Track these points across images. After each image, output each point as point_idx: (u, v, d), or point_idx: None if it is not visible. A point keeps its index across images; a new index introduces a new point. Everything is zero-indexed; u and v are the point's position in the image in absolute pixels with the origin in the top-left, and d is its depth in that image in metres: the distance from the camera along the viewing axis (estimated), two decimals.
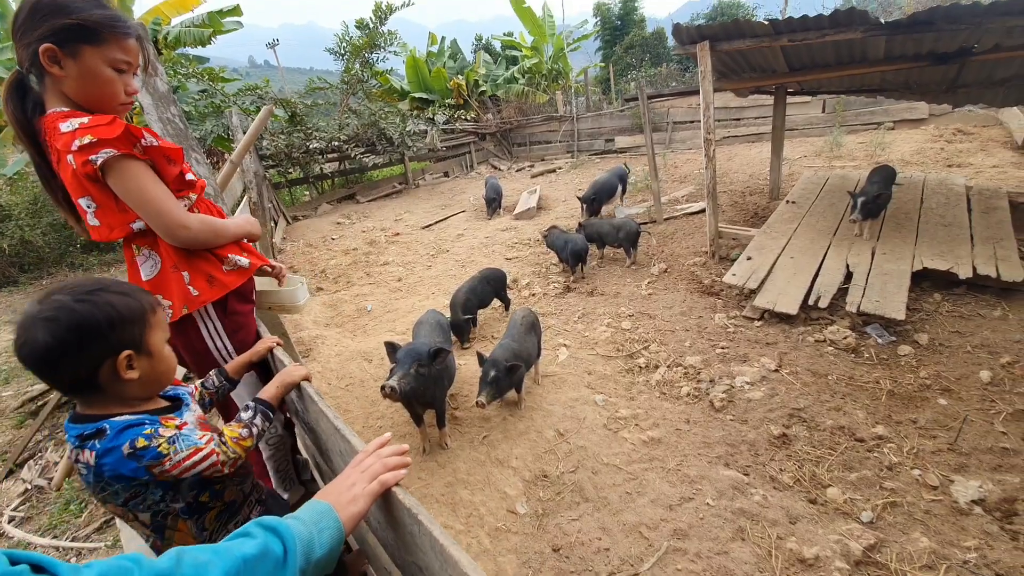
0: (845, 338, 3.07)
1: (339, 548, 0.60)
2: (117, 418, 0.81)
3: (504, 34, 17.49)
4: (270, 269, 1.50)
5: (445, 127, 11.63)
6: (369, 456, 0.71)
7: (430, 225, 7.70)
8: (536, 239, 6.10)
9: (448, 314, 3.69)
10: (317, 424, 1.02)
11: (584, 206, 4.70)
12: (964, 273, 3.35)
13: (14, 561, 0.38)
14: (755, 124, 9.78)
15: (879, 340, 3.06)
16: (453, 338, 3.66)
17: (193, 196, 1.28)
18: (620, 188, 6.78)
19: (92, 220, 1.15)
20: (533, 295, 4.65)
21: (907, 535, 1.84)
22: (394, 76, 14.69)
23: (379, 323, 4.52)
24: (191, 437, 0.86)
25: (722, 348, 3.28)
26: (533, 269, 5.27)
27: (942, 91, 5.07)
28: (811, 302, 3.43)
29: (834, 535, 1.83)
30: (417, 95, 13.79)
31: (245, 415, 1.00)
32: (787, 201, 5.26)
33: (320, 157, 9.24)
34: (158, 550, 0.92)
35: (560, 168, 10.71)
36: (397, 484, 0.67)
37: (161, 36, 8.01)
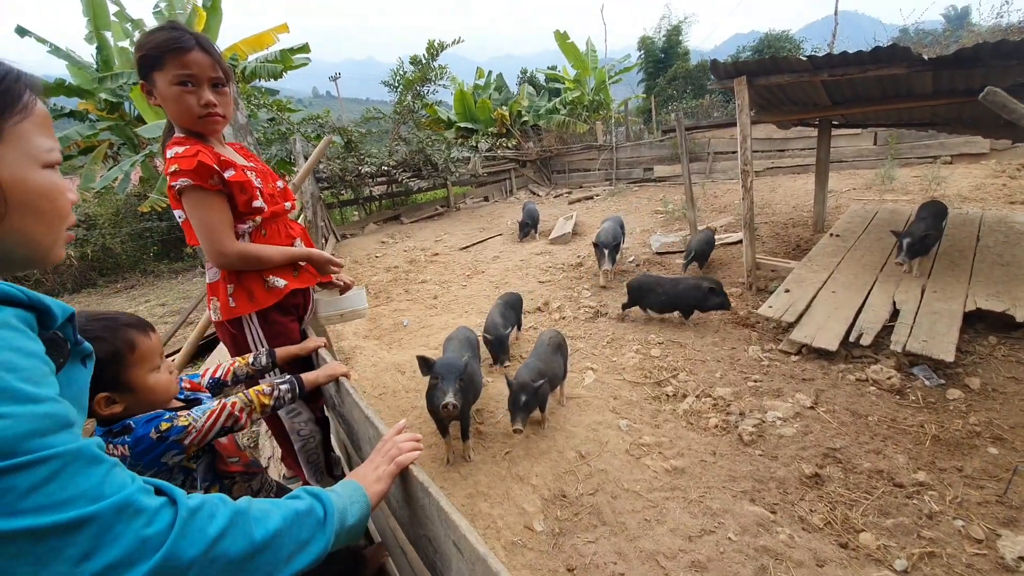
0: (889, 378, 2.93)
1: (366, 520, 0.69)
2: (137, 416, 0.91)
3: (548, 67, 18.13)
4: (334, 283, 1.66)
5: (487, 154, 12.11)
6: (388, 442, 0.81)
7: (468, 247, 7.95)
8: (571, 263, 6.17)
9: (479, 332, 3.81)
10: (351, 414, 1.14)
11: (606, 252, 4.68)
12: (1022, 316, 3.14)
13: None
14: (800, 155, 9.57)
15: (926, 382, 2.89)
16: (486, 355, 3.77)
17: (258, 219, 1.44)
18: (622, 235, 6.70)
19: (183, 226, 1.39)
20: (563, 318, 4.70)
21: None
22: (442, 107, 15.50)
23: (414, 337, 4.69)
24: (204, 407, 0.99)
25: (755, 381, 3.20)
26: (565, 293, 5.33)
27: (999, 125, 4.85)
28: (852, 339, 3.30)
29: None
30: (463, 125, 14.46)
31: (277, 379, 1.15)
32: (831, 234, 5.10)
33: (370, 180, 9.87)
34: None
35: (597, 195, 10.82)
36: (412, 464, 0.76)
37: (239, 71, 8.90)
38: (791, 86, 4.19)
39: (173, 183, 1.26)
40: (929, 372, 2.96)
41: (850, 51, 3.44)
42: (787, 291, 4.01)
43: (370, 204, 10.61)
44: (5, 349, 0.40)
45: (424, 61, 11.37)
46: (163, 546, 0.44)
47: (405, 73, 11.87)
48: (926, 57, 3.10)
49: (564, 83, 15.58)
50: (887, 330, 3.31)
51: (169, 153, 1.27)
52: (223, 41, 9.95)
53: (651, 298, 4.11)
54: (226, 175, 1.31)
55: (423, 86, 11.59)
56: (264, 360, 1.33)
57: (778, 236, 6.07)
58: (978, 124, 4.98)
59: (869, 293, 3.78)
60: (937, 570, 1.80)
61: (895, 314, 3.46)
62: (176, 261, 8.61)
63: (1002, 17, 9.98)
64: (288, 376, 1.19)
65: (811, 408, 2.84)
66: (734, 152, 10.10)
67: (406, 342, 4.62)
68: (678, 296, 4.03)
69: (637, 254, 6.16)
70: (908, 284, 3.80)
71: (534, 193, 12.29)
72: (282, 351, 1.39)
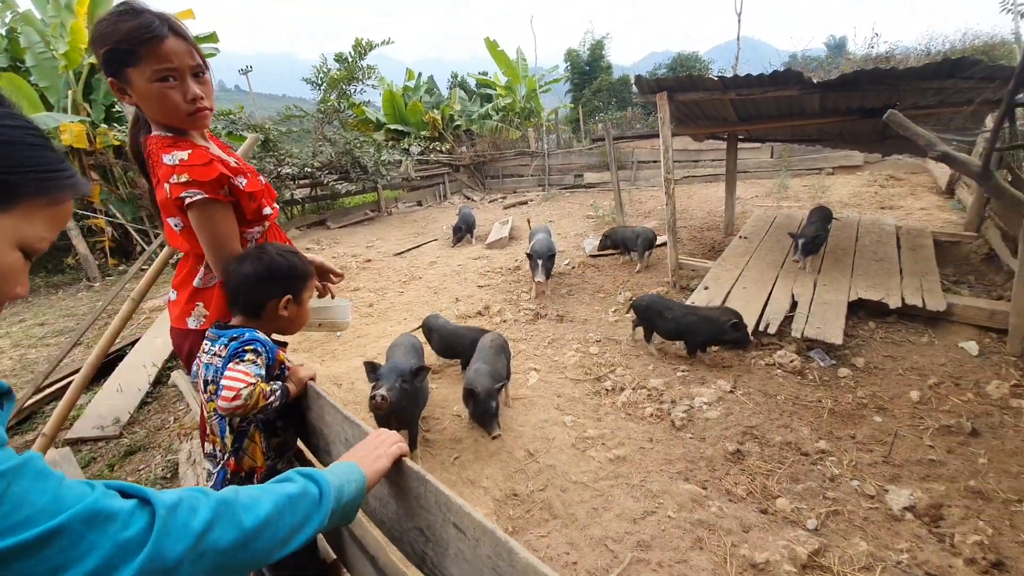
0: (792, 361, 3.33)
1: (362, 497, 0.69)
2: (254, 331, 1.16)
3: (479, 73, 18.28)
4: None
5: (420, 158, 11.93)
6: (380, 434, 0.81)
7: (402, 252, 7.77)
8: (509, 267, 6.27)
9: (421, 338, 3.76)
10: (320, 419, 1.10)
11: (539, 263, 4.79)
12: (894, 303, 3.71)
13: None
14: (712, 166, 10.51)
15: (821, 363, 3.33)
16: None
17: (267, 224, 1.36)
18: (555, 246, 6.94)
19: (174, 233, 1.25)
20: (504, 321, 4.77)
21: (847, 540, 2.00)
22: (370, 108, 15.05)
23: (349, 348, 4.50)
24: (259, 370, 1.10)
25: (682, 372, 3.47)
26: (504, 296, 5.41)
27: (872, 141, 5.70)
28: (761, 328, 3.70)
29: (783, 541, 1.97)
30: (393, 127, 14.13)
31: (278, 384, 1.12)
32: (740, 236, 5.67)
33: (292, 183, 9.29)
34: (231, 469, 1.17)
35: (532, 200, 11.09)
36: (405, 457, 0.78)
37: None
38: (705, 103, 4.62)
39: (182, 193, 1.11)
40: (823, 354, 3.40)
41: (751, 73, 3.88)
42: (706, 288, 4.40)
43: (291, 208, 10.00)
44: None
45: (351, 60, 10.98)
46: (144, 547, 0.42)
47: (330, 71, 11.37)
48: (815, 81, 3.58)
49: (496, 89, 15.80)
50: (788, 319, 3.76)
51: (169, 159, 1.12)
52: None
53: (660, 323, 3.67)
54: (239, 183, 1.21)
55: (349, 85, 11.18)
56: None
57: (695, 239, 6.62)
58: (855, 140, 5.81)
59: (773, 288, 4.26)
60: (841, 525, 2.08)
61: (794, 305, 3.94)
62: (55, 274, 7.46)
63: (872, 47, 11.78)
64: (280, 383, 1.13)
65: (731, 392, 3.14)
66: (655, 161, 10.87)
67: (340, 353, 4.42)
68: (689, 326, 3.51)
69: (572, 257, 6.40)
70: (803, 279, 4.34)
71: (468, 198, 12.31)
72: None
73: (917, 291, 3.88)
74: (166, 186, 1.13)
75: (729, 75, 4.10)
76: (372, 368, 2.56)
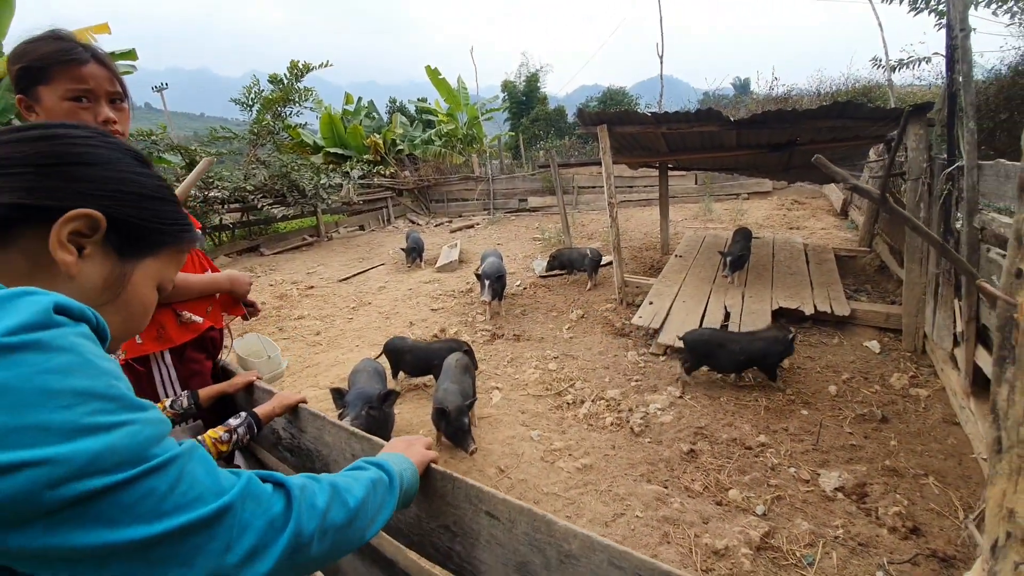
0: None
1: (417, 485, 0.73)
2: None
3: (419, 99, 18.50)
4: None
5: (361, 181, 11.76)
6: (413, 437, 0.83)
7: (348, 278, 7.57)
8: (461, 290, 6.33)
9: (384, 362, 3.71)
10: (319, 440, 1.10)
11: (487, 283, 4.85)
12: (808, 310, 4.22)
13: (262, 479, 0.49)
14: (645, 191, 11.33)
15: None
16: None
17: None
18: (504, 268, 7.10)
19: None
20: None
21: (792, 521, 2.24)
22: (306, 130, 14.68)
23: (298, 379, 4.31)
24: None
25: (636, 381, 3.69)
26: (460, 319, 5.44)
27: (779, 171, 6.49)
28: None
29: (737, 528, 2.17)
30: (332, 150, 13.86)
31: (233, 421, 1.06)
32: (676, 255, 6.16)
33: (220, 207, 8.79)
34: None
35: (478, 224, 11.27)
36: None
37: None
38: (640, 135, 5.07)
39: None
40: None
41: (678, 110, 4.34)
42: (651, 303, 4.73)
43: (220, 234, 9.43)
44: (103, 359, 0.40)
45: (286, 81, 10.73)
46: (288, 525, 0.46)
47: (262, 91, 11.02)
48: (732, 119, 4.08)
49: (437, 115, 16.06)
50: (724, 328, 4.13)
51: None
52: (16, 39, 8.12)
53: (723, 356, 3.35)
54: None
55: (284, 106, 10.89)
56: (185, 403, 1.19)
57: (636, 258, 7.08)
58: (765, 170, 6.58)
59: (708, 301, 4.67)
60: (784, 508, 2.32)
61: (727, 315, 4.34)
62: None
63: (773, 88, 13.45)
64: (243, 413, 1.09)
65: (680, 397, 3.39)
66: (594, 187, 11.52)
67: (288, 385, 4.21)
68: (762, 352, 3.31)
69: (523, 278, 6.59)
70: (733, 292, 4.80)
71: (413, 222, 12.27)
72: (206, 392, 1.25)
73: (826, 299, 4.43)
74: None
75: (654, 110, 4.57)
76: (339, 394, 2.51)
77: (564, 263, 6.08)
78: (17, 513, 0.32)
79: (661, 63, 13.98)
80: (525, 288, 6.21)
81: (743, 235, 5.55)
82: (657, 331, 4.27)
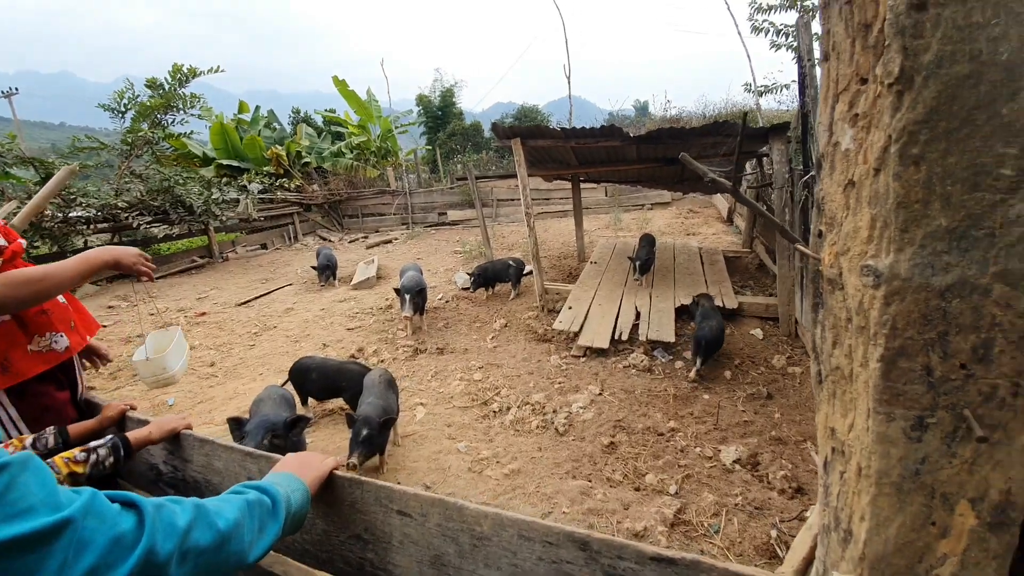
0: (641, 361, 3.94)
1: (308, 507, 0.67)
2: None
3: (327, 110, 17.73)
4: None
5: (263, 196, 10.89)
6: (309, 454, 0.78)
7: (248, 301, 6.92)
8: (380, 307, 6.11)
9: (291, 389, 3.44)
10: (209, 468, 0.99)
11: (407, 298, 4.72)
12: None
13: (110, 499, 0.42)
14: (560, 203, 11.86)
15: (662, 359, 4.01)
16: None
17: None
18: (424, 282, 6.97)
19: None
20: (382, 361, 4.62)
21: (699, 495, 2.45)
22: (193, 140, 13.35)
23: (188, 417, 3.84)
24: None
25: (559, 383, 3.82)
26: (379, 336, 5.24)
27: (674, 183, 7.17)
28: (616, 337, 4.30)
29: (654, 508, 2.32)
30: (225, 162, 12.73)
31: (95, 443, 0.93)
32: (591, 262, 6.51)
33: (85, 227, 7.63)
34: None
35: (396, 239, 10.98)
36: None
37: None
38: (552, 149, 5.33)
39: None
40: (663, 352, 4.10)
41: (586, 127, 4.65)
42: (570, 308, 4.94)
43: None
44: None
45: (168, 86, 9.66)
46: (139, 544, 0.42)
47: (137, 97, 9.77)
48: (631, 135, 4.44)
49: (347, 127, 15.48)
50: (635, 327, 4.44)
51: None
52: None
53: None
54: None
55: (166, 114, 9.75)
56: (51, 441, 1.02)
57: (556, 267, 7.36)
58: (663, 182, 7.23)
59: (621, 302, 4.99)
60: (693, 485, 2.53)
61: (638, 315, 4.67)
62: None
63: (667, 110, 15.09)
64: (110, 436, 0.95)
65: (600, 394, 3.57)
66: (513, 199, 11.81)
67: None
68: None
69: (445, 291, 6.53)
70: (642, 293, 5.18)
71: (325, 239, 11.64)
72: (76, 429, 1.08)
73: (718, 295, 4.95)
74: None
75: (565, 126, 4.87)
76: (237, 424, 2.27)
77: (489, 277, 5.95)
78: None
79: (569, 84, 14.86)
80: (447, 301, 6.16)
81: (648, 241, 6.02)
82: (577, 334, 4.47)
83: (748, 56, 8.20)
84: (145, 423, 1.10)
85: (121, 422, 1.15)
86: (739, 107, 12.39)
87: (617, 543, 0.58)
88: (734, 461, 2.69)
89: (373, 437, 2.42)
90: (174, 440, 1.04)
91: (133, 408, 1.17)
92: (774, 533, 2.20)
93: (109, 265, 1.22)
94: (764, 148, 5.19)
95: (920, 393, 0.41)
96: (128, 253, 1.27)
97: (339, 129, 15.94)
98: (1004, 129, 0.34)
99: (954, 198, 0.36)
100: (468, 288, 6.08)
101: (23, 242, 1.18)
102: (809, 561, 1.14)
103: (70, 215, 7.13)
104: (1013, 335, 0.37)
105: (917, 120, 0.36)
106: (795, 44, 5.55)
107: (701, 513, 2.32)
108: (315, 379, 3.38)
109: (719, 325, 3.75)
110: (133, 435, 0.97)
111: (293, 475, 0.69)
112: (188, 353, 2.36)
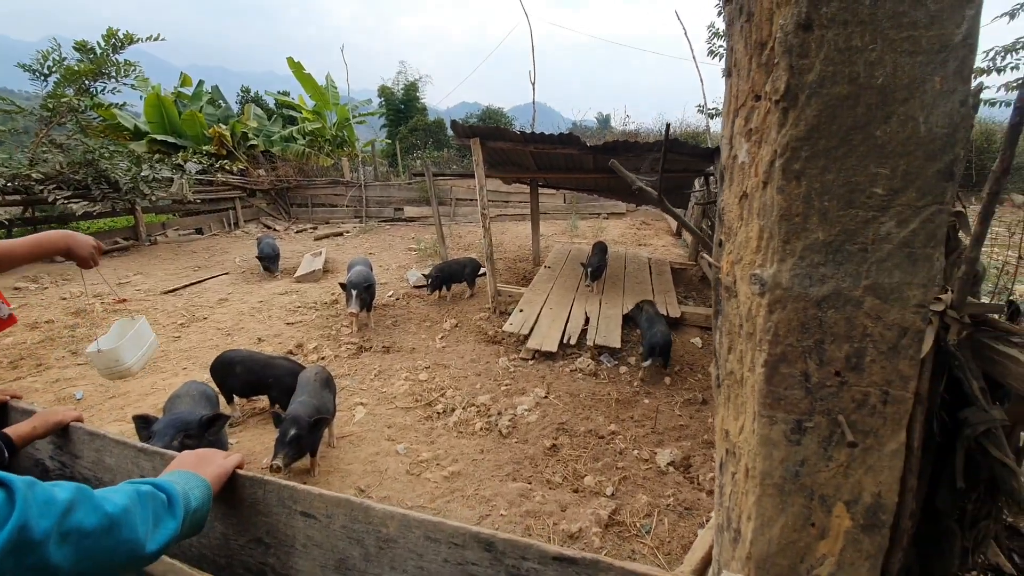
0: (588, 365, 4.02)
1: (209, 504, 0.62)
2: None
3: (279, 92, 16.89)
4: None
5: (200, 177, 10.17)
6: (209, 451, 0.72)
7: (176, 289, 6.43)
8: (325, 301, 5.87)
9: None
10: (100, 465, 0.89)
11: (353, 293, 4.55)
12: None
13: None
14: (520, 207, 11.93)
15: (608, 364, 4.11)
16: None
17: None
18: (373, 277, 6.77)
19: None
20: (323, 358, 4.43)
21: (634, 496, 2.52)
22: (125, 112, 12.32)
23: (99, 413, 3.50)
24: None
25: (506, 385, 3.82)
26: (321, 332, 5.03)
27: (628, 195, 7.40)
28: (565, 341, 4.36)
29: (590, 510, 2.36)
30: (160, 137, 11.81)
31: None
32: (545, 266, 6.58)
33: None
34: None
35: (348, 232, 10.62)
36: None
37: None
38: (510, 151, 5.34)
39: None
40: (609, 357, 4.21)
41: (545, 132, 4.70)
42: (521, 311, 4.96)
43: None
44: None
45: (99, 52, 8.85)
46: (9, 520, 0.39)
47: (64, 59, 8.87)
48: (588, 144, 4.53)
49: (301, 112, 14.80)
50: (584, 332, 4.53)
51: None
52: None
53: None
54: None
55: (95, 81, 8.93)
56: None
57: (510, 269, 7.38)
58: (618, 193, 7.44)
59: (572, 307, 5.07)
60: (629, 487, 2.60)
61: (587, 320, 4.77)
62: None
63: (626, 124, 15.73)
64: None
65: (545, 397, 3.60)
66: (472, 200, 11.75)
67: (88, 420, 3.42)
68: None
69: (396, 288, 6.38)
70: (592, 299, 5.30)
71: (269, 227, 11.06)
72: (13, 432, 0.94)
73: (663, 304, 5.15)
74: None
75: (528, 131, 4.90)
76: (144, 423, 2.08)
77: (446, 278, 5.74)
78: None
79: (533, 89, 15.00)
80: (398, 299, 6.01)
81: (600, 248, 6.17)
82: (527, 337, 4.49)
83: (701, 80, 8.63)
84: (31, 413, 0.98)
85: (2, 413, 1.02)
86: (692, 128, 13.02)
87: (521, 543, 0.57)
88: (668, 463, 2.79)
89: (301, 437, 2.29)
90: (62, 433, 0.93)
91: (17, 397, 1.04)
92: (700, 532, 2.30)
93: (61, 251, 1.17)
94: (711, 168, 5.47)
95: (799, 398, 0.43)
96: (85, 243, 1.22)
97: (292, 113, 15.18)
98: (877, 150, 0.37)
99: (831, 213, 0.38)
100: (424, 287, 5.96)
101: None
102: (708, 561, 1.19)
103: None
104: (883, 346, 0.40)
105: (799, 137, 0.38)
106: None
107: (635, 514, 2.38)
108: (239, 373, 3.16)
109: (667, 329, 3.91)
110: (14, 430, 0.86)
111: (192, 473, 0.64)
112: (153, 345, 2.21)
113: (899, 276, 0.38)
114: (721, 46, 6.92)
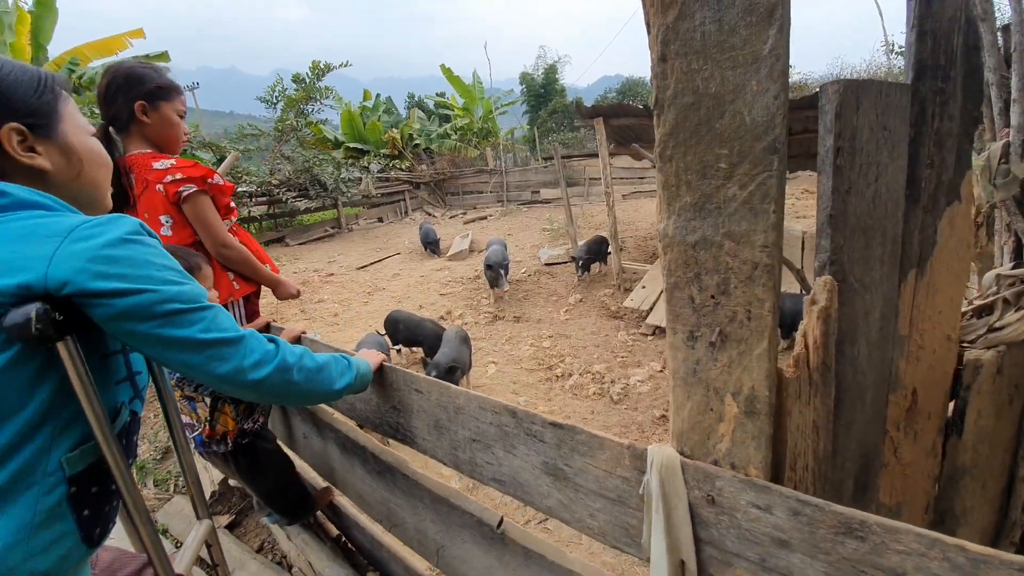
0: None
1: (370, 375, 1.04)
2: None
3: (437, 94, 18.88)
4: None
5: (380, 175, 12.24)
6: (371, 352, 1.17)
7: (365, 266, 8.03)
8: (470, 277, 6.68)
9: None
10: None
11: (501, 273, 5.02)
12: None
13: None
14: (654, 183, 11.43)
15: None
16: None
17: (233, 218, 1.70)
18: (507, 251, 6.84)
19: (166, 232, 1.54)
20: (465, 324, 5.15)
21: None
22: (327, 127, 15.28)
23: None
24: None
25: (622, 357, 3.97)
26: (466, 303, 5.79)
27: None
28: None
29: None
30: (352, 145, 14.40)
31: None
32: None
33: (249, 200, 9.40)
34: (207, 435, 1.42)
35: (491, 215, 11.59)
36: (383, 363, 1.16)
37: (76, 77, 8.03)
38: (636, 127, 5.27)
39: (179, 188, 1.48)
40: None
41: None
42: (644, 287, 4.97)
43: (248, 226, 10.05)
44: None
45: (308, 80, 11.26)
46: (278, 355, 0.80)
47: (285, 90, 11.57)
48: None
49: (453, 110, 16.40)
50: None
51: (160, 164, 1.48)
52: (61, 44, 8.84)
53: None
54: (216, 180, 1.56)
55: (307, 105, 11.44)
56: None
57: (640, 247, 7.28)
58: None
59: None
60: None
61: None
62: None
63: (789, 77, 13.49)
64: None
65: (660, 371, 3.65)
66: None
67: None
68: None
69: (529, 266, 6.89)
70: None
71: (429, 214, 12.69)
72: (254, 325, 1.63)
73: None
74: (160, 187, 1.48)
75: None
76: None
77: (594, 253, 5.84)
78: (142, 314, 0.66)
79: None
80: (529, 275, 6.51)
81: None
82: (648, 312, 4.52)
83: (880, 12, 6.99)
84: (282, 330, 1.60)
85: (267, 330, 1.68)
86: (883, 69, 10.56)
87: (531, 414, 0.84)
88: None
89: (440, 378, 2.87)
90: (298, 341, 1.52)
91: (303, 333, 1.67)
92: None
93: (269, 285, 1.80)
94: None
95: (689, 315, 0.61)
96: (288, 288, 1.83)
97: (447, 112, 16.96)
98: (719, 138, 0.52)
99: (693, 183, 0.55)
100: (555, 264, 6.30)
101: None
102: None
103: (238, 190, 8.88)
104: (742, 276, 0.55)
105: (666, 133, 0.55)
106: None
107: None
108: (401, 330, 4.00)
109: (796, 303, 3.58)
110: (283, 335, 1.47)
111: (362, 359, 1.08)
112: None
113: (746, 225, 0.53)
114: None
